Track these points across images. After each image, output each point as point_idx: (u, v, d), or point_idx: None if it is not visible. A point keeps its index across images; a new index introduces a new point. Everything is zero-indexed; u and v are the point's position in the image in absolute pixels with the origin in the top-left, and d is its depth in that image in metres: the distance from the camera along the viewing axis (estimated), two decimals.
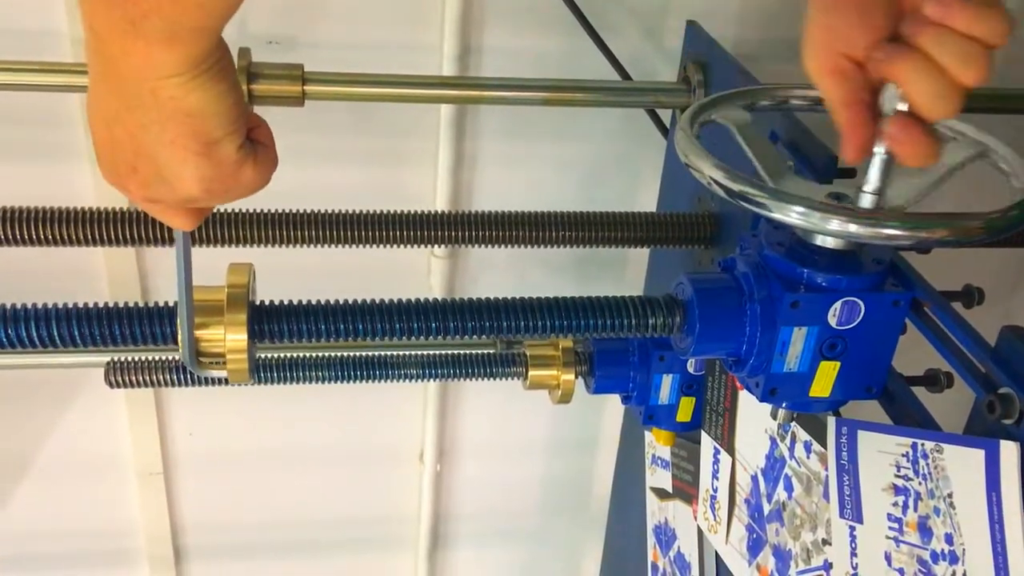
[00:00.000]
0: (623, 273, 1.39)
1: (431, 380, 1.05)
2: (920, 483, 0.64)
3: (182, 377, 0.94)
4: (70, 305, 0.67)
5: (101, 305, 0.67)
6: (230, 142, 0.50)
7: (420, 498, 1.52)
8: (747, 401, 0.90)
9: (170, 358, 0.94)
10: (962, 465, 0.60)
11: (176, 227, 0.56)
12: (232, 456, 1.44)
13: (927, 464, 0.63)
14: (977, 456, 0.58)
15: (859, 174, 0.86)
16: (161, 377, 0.94)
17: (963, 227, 0.60)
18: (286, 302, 0.69)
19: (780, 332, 0.67)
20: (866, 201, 0.60)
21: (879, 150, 0.57)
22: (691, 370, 0.97)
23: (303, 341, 0.68)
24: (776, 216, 0.61)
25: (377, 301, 0.70)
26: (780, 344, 0.68)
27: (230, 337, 0.65)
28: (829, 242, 0.68)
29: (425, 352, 0.98)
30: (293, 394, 1.14)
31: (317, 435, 1.45)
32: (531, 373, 0.97)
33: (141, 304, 0.67)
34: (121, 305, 0.68)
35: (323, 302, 0.69)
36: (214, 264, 0.69)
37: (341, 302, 0.69)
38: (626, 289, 1.41)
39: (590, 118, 1.26)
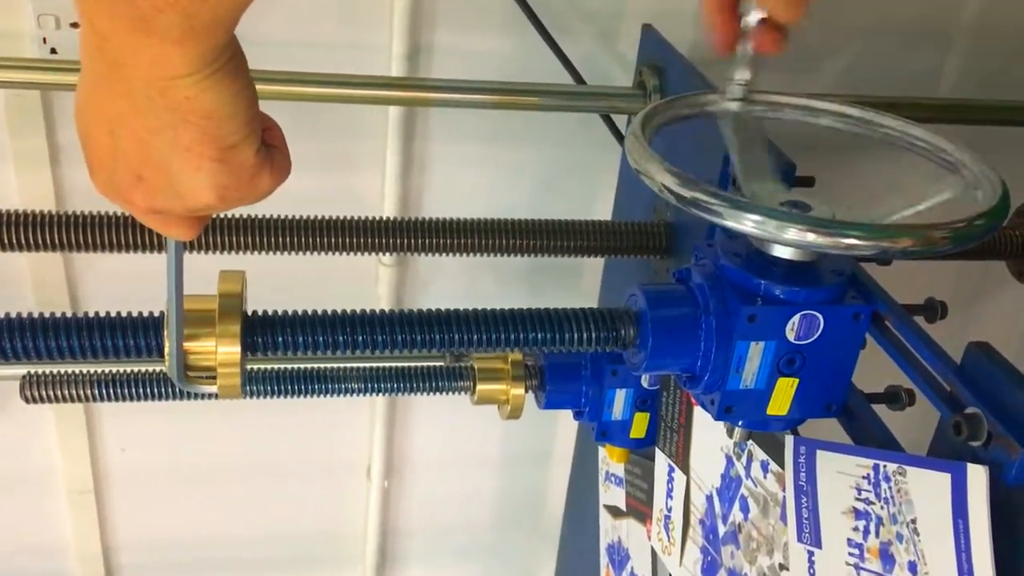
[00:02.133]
0: (577, 283, 1.36)
1: (374, 395, 1.00)
2: (882, 507, 0.61)
3: (106, 392, 0.88)
4: (47, 315, 0.63)
5: (81, 316, 0.64)
6: (248, 146, 0.46)
7: (367, 515, 1.47)
8: (702, 418, 0.86)
9: (91, 372, 0.88)
10: (927, 489, 0.57)
11: (177, 237, 0.52)
12: (168, 472, 1.38)
13: (889, 487, 0.60)
14: (942, 480, 0.55)
15: (815, 183, 0.84)
16: (83, 392, 0.88)
17: (928, 237, 0.57)
18: (280, 312, 0.65)
19: (736, 347, 0.64)
20: (737, 92, 0.70)
21: (745, 48, 0.66)
22: (645, 385, 0.94)
23: (298, 354, 0.64)
24: (730, 224, 0.58)
25: (330, 312, 0.66)
26: (736, 360, 0.64)
27: (222, 350, 0.61)
28: (787, 252, 0.65)
29: (369, 365, 0.94)
30: (232, 407, 1.09)
31: (257, 450, 1.40)
32: (479, 387, 0.93)
33: (101, 313, 0.64)
34: (104, 315, 0.64)
35: (319, 312, 0.66)
36: (135, 269, 0.64)
37: (341, 312, 0.66)
38: (580, 299, 1.37)
39: (544, 123, 1.22)
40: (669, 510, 0.94)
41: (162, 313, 0.64)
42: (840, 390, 0.67)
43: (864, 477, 0.63)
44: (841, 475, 0.65)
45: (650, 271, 1.07)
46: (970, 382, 0.56)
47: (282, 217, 0.92)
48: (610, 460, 1.09)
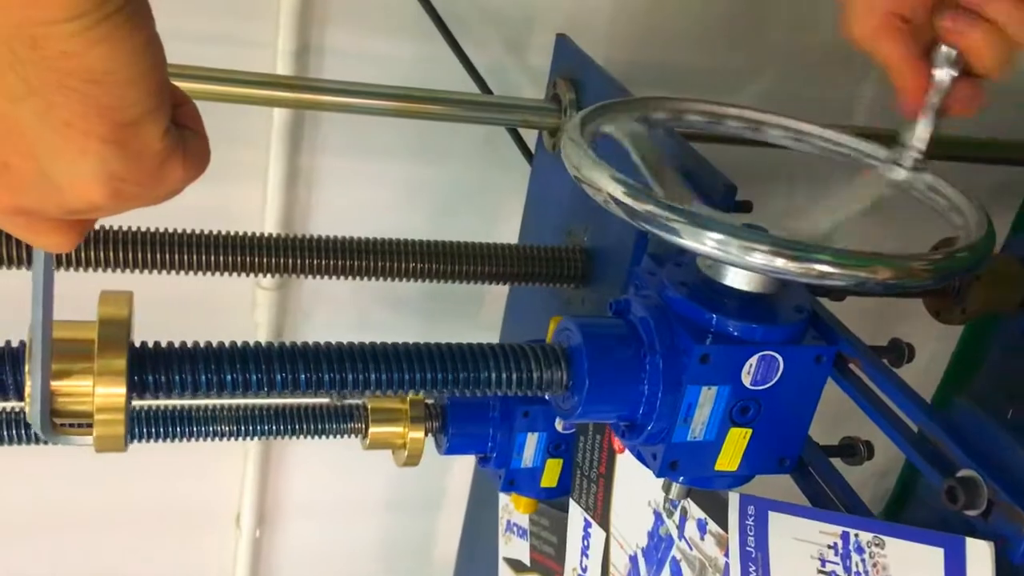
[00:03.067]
0: (478, 313, 1.26)
1: (248, 439, 0.87)
2: None
3: None
4: None
5: None
6: (153, 124, 0.35)
7: (235, 568, 1.32)
8: (627, 466, 0.77)
9: None
10: (913, 566, 0.48)
11: (47, 247, 0.39)
12: (13, 518, 1.19)
13: (863, 560, 0.52)
14: (933, 556, 0.47)
15: (754, 207, 0.77)
16: None
17: (907, 268, 0.49)
18: (172, 344, 0.54)
19: (686, 392, 0.55)
20: (908, 161, 0.59)
21: (932, 105, 0.57)
22: (560, 429, 0.84)
23: (197, 394, 0.53)
24: (687, 244, 0.49)
25: (238, 344, 0.55)
26: (685, 407, 0.55)
27: (101, 390, 0.49)
28: (742, 282, 0.56)
29: (243, 403, 0.81)
30: (84, 448, 0.93)
31: (114, 495, 1.23)
32: (372, 430, 0.81)
33: None
34: None
35: (226, 345, 0.54)
36: None
37: (254, 345, 0.55)
38: (480, 331, 1.27)
39: (446, 137, 1.12)
40: (584, 569, 0.84)
41: (22, 343, 0.52)
42: (796, 443, 0.59)
43: (830, 546, 0.54)
44: (800, 542, 0.56)
45: (562, 301, 0.97)
46: (962, 440, 0.48)
47: (141, 230, 0.79)
48: (514, 510, 0.98)
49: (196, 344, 0.54)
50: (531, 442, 0.84)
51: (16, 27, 0.30)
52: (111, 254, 0.79)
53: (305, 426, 0.81)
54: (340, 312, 1.19)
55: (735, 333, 0.55)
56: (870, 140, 0.65)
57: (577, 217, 0.94)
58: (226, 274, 0.83)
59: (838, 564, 0.53)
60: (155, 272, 0.80)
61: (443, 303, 1.23)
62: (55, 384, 0.48)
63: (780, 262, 0.48)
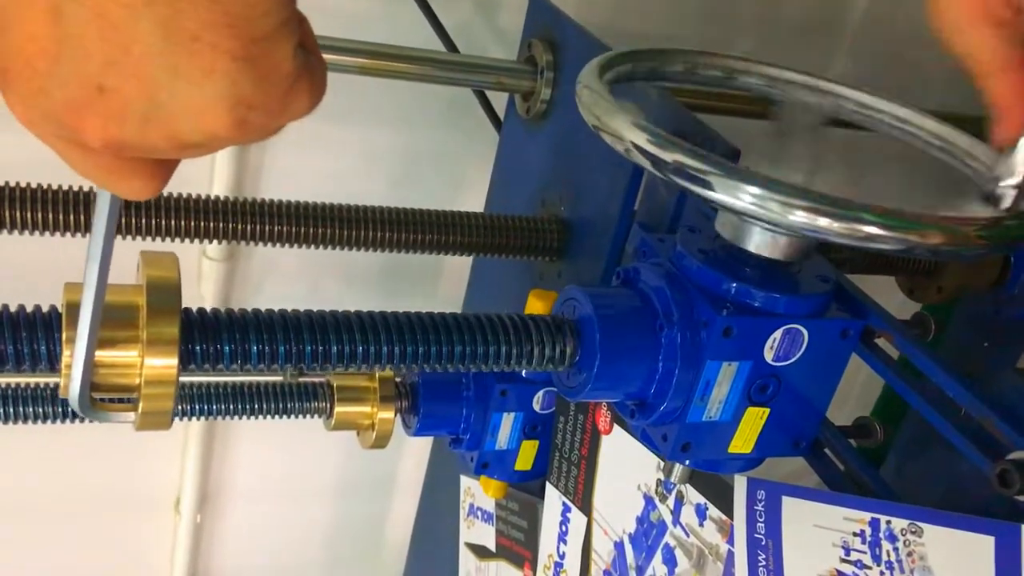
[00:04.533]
0: (435, 287, 1.20)
1: (206, 418, 0.80)
2: (882, 574, 0.49)
3: None
4: None
5: None
6: (285, 40, 0.30)
7: (173, 554, 1.24)
8: (613, 448, 0.72)
9: None
10: (955, 555, 0.45)
11: (126, 193, 0.34)
12: None
13: (895, 549, 0.48)
14: (982, 545, 0.43)
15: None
16: None
17: (962, 234, 0.45)
18: (222, 311, 0.49)
19: (705, 368, 0.50)
20: (1008, 199, 0.46)
21: None
22: (537, 409, 0.79)
23: (242, 366, 0.48)
24: (720, 198, 0.44)
25: (292, 312, 0.49)
26: (703, 384, 0.51)
27: (152, 362, 0.43)
28: (765, 248, 0.51)
29: (195, 380, 0.74)
30: (7, 430, 0.85)
31: (44, 479, 1.14)
32: (338, 410, 0.75)
33: None
34: None
35: (277, 312, 0.49)
36: None
37: (307, 313, 0.50)
38: (440, 305, 1.21)
39: (408, 101, 1.05)
40: (562, 556, 0.80)
41: (53, 308, 0.46)
42: (813, 423, 0.55)
43: (856, 534, 0.50)
44: (820, 529, 0.52)
45: (534, 275, 0.92)
46: (1015, 418, 0.44)
47: (75, 189, 0.71)
48: (479, 493, 0.93)
49: (244, 312, 0.49)
50: (506, 423, 0.79)
51: None
52: (39, 215, 0.71)
53: (265, 405, 0.75)
54: (291, 284, 1.13)
55: (757, 304, 0.51)
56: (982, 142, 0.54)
57: (553, 187, 0.89)
58: (168, 239, 0.76)
59: (865, 552, 0.50)
60: (87, 236, 0.73)
61: (399, 276, 1.17)
62: (99, 355, 0.43)
63: (824, 221, 0.43)
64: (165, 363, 0.44)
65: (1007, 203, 0.46)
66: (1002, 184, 0.46)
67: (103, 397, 0.44)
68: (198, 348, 0.47)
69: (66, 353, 0.42)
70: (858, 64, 1.20)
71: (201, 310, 0.48)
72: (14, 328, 0.45)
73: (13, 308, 0.46)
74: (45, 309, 0.47)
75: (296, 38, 0.31)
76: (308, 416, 0.77)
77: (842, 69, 1.22)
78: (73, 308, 0.41)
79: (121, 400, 0.45)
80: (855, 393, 1.08)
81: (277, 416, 0.76)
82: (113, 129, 0.30)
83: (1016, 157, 0.45)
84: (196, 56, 0.28)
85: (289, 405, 0.75)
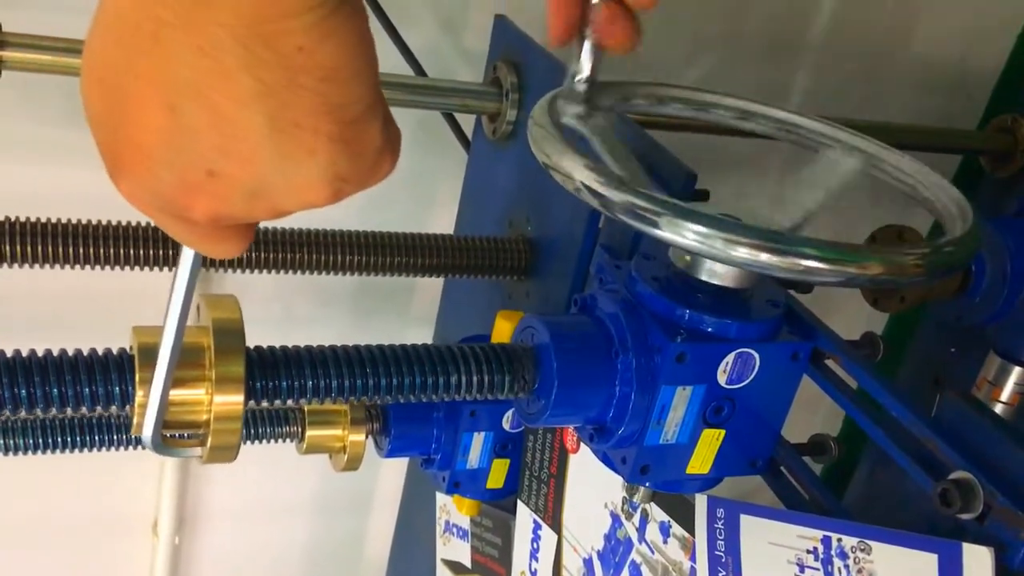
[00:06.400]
0: (408, 307, 1.21)
1: None
2: None
3: None
4: None
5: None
6: (375, 119, 0.34)
7: None
8: (580, 467, 0.74)
9: None
10: (902, 572, 0.46)
11: (215, 253, 0.37)
12: None
13: (845, 566, 0.49)
14: (926, 563, 0.45)
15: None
16: None
17: (900, 264, 0.46)
18: (280, 348, 0.51)
19: (660, 393, 0.52)
20: (580, 89, 0.53)
21: (587, 37, 0.51)
22: (507, 428, 0.80)
23: (298, 401, 0.51)
24: (667, 236, 0.45)
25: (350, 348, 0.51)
26: (659, 409, 0.52)
27: (221, 399, 0.46)
28: (717, 277, 0.53)
29: None
30: None
31: (21, 503, 1.14)
32: (309, 434, 0.76)
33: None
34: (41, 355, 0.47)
35: (338, 348, 0.52)
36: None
37: (350, 348, 0.53)
38: (413, 326, 1.22)
39: None
40: (534, 572, 0.81)
41: (122, 351, 0.48)
42: (768, 443, 0.57)
43: (809, 551, 0.52)
44: (775, 547, 0.54)
45: (503, 294, 0.93)
46: (954, 439, 0.46)
47: (42, 221, 0.72)
48: (453, 511, 0.94)
49: (298, 348, 0.51)
50: (477, 442, 0.80)
51: (251, 25, 0.29)
52: (18, 248, 0.72)
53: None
54: (265, 307, 1.13)
55: (709, 330, 0.52)
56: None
57: (520, 207, 0.90)
58: (142, 268, 0.77)
59: (818, 570, 0.51)
60: (57, 267, 0.74)
61: (371, 297, 1.18)
62: (173, 393, 0.45)
63: (765, 257, 0.45)
64: (232, 400, 0.46)
65: (581, 89, 0.53)
66: (577, 79, 0.53)
67: (172, 433, 0.47)
68: (259, 385, 0.49)
69: (139, 393, 0.45)
70: (820, 80, 1.23)
71: (259, 348, 0.51)
72: (88, 370, 0.47)
73: (67, 346, 0.49)
74: (100, 352, 0.49)
75: (382, 114, 0.34)
76: (279, 440, 0.78)
77: (806, 85, 1.24)
78: (146, 351, 0.44)
79: (191, 436, 0.47)
80: (823, 411, 1.10)
81: (248, 442, 0.77)
82: (221, 207, 0.33)
83: (582, 56, 0.52)
84: (300, 141, 0.31)
85: (260, 430, 0.76)
